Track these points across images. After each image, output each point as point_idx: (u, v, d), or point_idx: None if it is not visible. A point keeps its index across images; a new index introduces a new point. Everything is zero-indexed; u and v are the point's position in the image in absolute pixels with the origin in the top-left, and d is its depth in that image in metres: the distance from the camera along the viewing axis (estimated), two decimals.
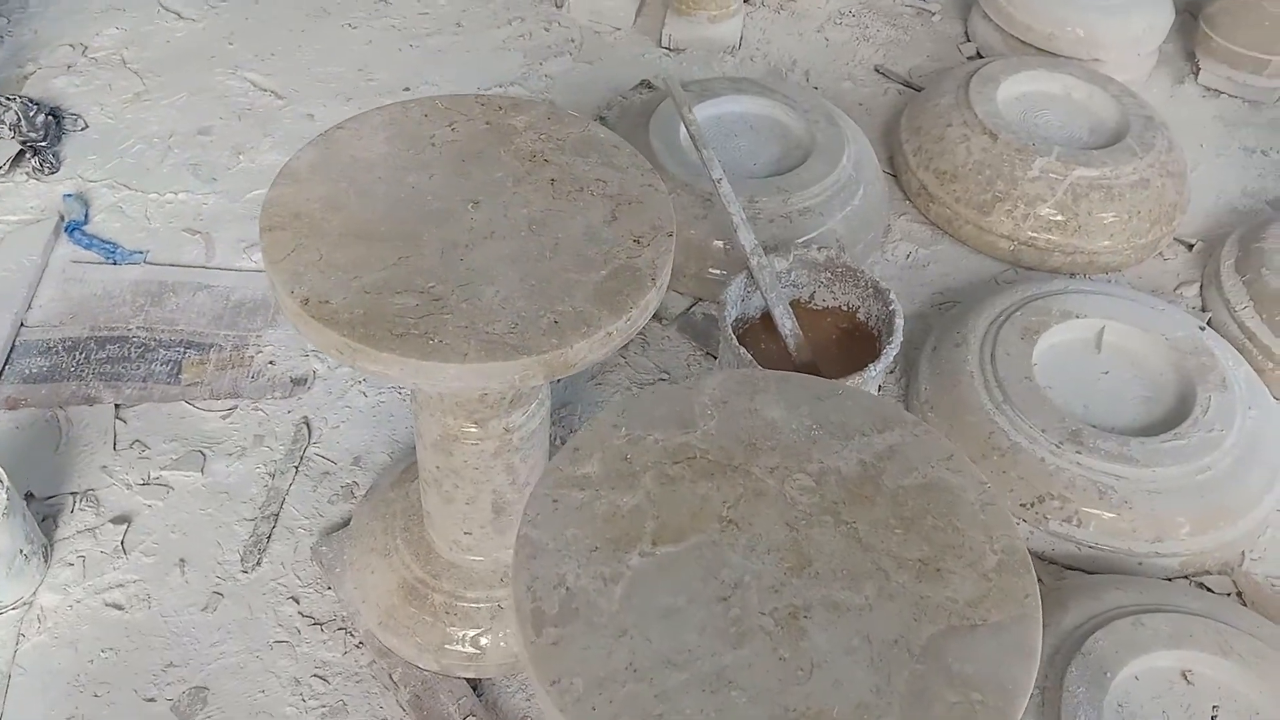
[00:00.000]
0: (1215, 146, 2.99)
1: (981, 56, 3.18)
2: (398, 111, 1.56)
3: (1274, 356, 2.33)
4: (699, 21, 3.11)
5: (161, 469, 2.09)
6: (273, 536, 2.01)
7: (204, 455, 2.13)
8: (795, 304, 2.22)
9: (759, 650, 1.03)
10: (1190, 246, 2.69)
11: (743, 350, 1.99)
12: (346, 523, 2.03)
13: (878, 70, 3.14)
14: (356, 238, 1.37)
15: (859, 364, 2.11)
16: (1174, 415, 2.09)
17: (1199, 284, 2.58)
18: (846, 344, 2.23)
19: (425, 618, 1.79)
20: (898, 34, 3.28)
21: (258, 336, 2.36)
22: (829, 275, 2.20)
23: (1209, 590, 1.99)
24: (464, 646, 1.78)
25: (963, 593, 1.08)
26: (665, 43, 3.15)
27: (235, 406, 2.23)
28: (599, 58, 3.12)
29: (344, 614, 1.90)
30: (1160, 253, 2.66)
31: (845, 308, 2.22)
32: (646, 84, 3.00)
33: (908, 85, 3.09)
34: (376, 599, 1.82)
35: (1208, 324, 2.37)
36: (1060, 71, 2.78)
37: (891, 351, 2.03)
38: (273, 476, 2.11)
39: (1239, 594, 2.01)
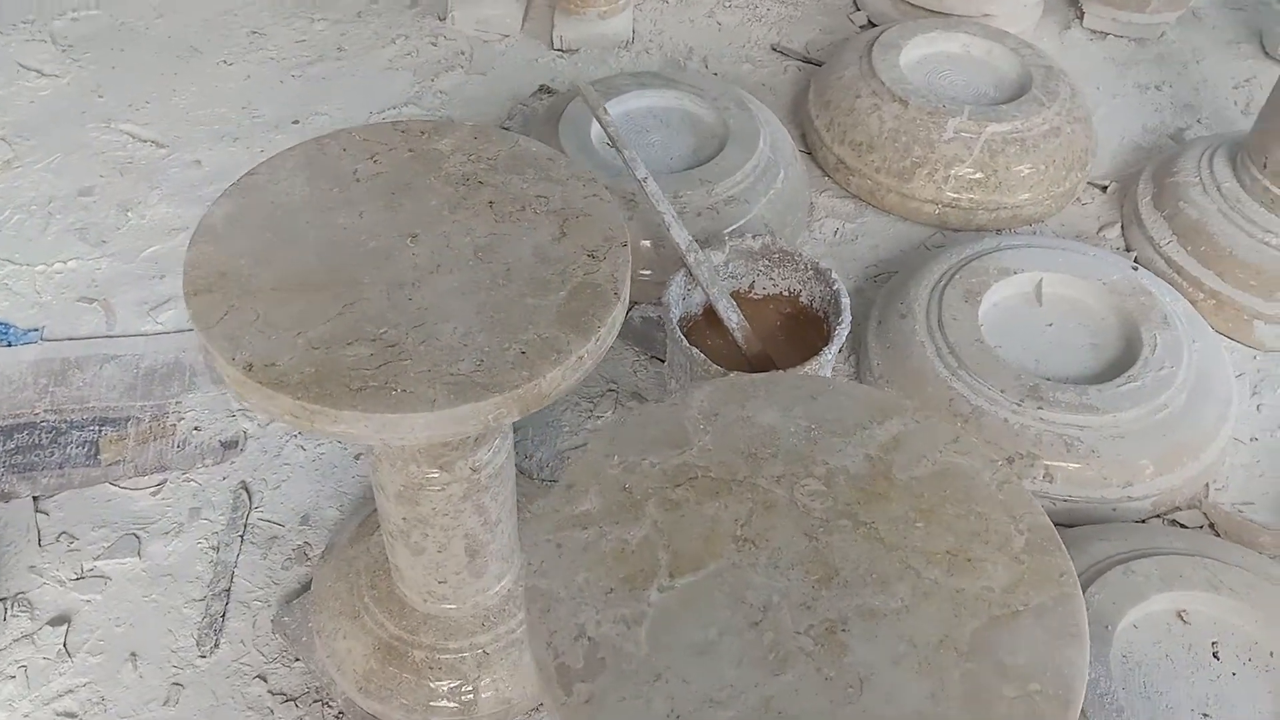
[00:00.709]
0: (1110, 88, 3.03)
1: (874, 24, 3.18)
2: (313, 149, 1.46)
3: (1203, 288, 2.36)
4: (589, 19, 3.04)
5: (95, 559, 1.95)
6: (227, 614, 1.89)
7: (138, 538, 1.99)
8: (736, 295, 2.17)
9: (802, 673, 0.97)
10: (1104, 189, 2.72)
11: (694, 350, 1.93)
12: (306, 587, 1.91)
13: (775, 49, 3.11)
14: (293, 291, 1.27)
15: (809, 348, 2.08)
16: (1123, 358, 2.10)
17: (1119, 224, 2.61)
18: (793, 330, 2.19)
19: (407, 676, 1.69)
20: (788, 10, 3.26)
21: (177, 403, 2.21)
22: (766, 262, 2.15)
23: (1184, 527, 2.01)
24: (453, 701, 1.69)
25: (997, 580, 1.04)
26: (557, 45, 3.07)
27: (164, 481, 2.09)
28: (492, 67, 3.02)
29: (317, 685, 1.79)
30: (1078, 199, 2.68)
31: (787, 293, 2.18)
32: (546, 89, 2.92)
33: (807, 60, 3.06)
34: (352, 664, 1.72)
35: (1135, 262, 2.39)
36: (957, 31, 2.79)
37: (843, 332, 2.00)
38: (217, 550, 1.98)
39: (1210, 525, 2.03)
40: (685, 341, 1.95)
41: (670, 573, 1.04)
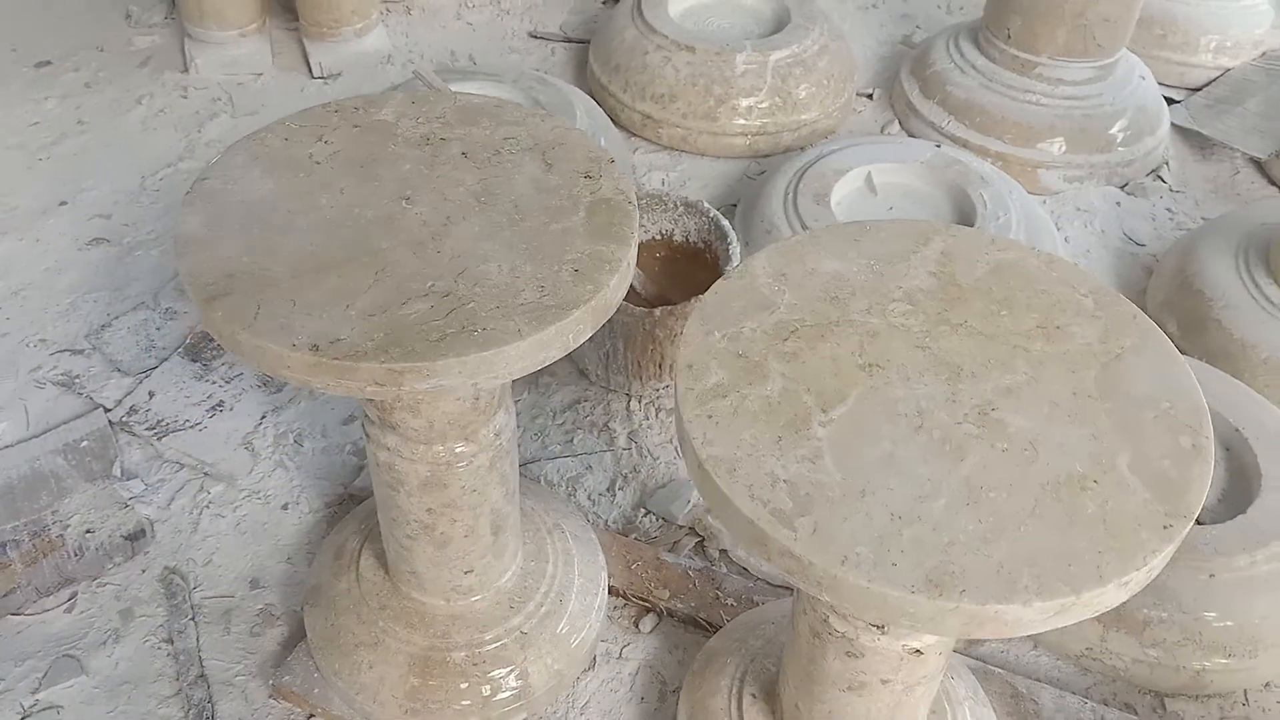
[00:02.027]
0: (838, 13, 3.32)
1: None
2: (254, 145, 1.37)
3: (989, 152, 2.66)
4: (344, 40, 2.97)
5: (35, 694, 1.70)
6: (213, 698, 1.71)
7: (75, 658, 1.76)
8: None
9: (981, 453, 1.04)
10: (870, 96, 2.99)
11: None
12: (288, 645, 1.77)
13: (533, 35, 3.17)
14: (315, 272, 1.20)
15: (697, 282, 2.15)
16: (964, 219, 2.33)
17: (895, 121, 2.88)
18: (674, 268, 2.26)
19: (454, 680, 1.61)
20: (532, 0, 3.33)
21: (54, 513, 1.97)
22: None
23: None
24: (505, 690, 1.63)
25: (1090, 335, 1.16)
26: (318, 72, 2.97)
27: (74, 594, 1.85)
28: (260, 106, 2.89)
29: None
30: (855, 109, 2.93)
31: (660, 236, 2.25)
32: None
33: (568, 40, 3.15)
34: (389, 690, 1.61)
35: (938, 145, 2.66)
36: None
37: (737, 248, 2.09)
38: (171, 641, 1.79)
39: None
40: None
41: (823, 409, 1.08)
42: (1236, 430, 1.86)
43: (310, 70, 2.98)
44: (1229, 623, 1.68)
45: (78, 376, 2.19)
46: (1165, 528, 0.98)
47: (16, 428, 2.10)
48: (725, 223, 2.14)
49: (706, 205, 2.17)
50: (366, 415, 1.44)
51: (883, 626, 1.22)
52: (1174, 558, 1.69)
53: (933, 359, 1.13)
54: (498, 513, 1.56)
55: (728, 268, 2.06)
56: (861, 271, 1.23)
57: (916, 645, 1.24)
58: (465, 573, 1.59)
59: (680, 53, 2.69)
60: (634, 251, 1.27)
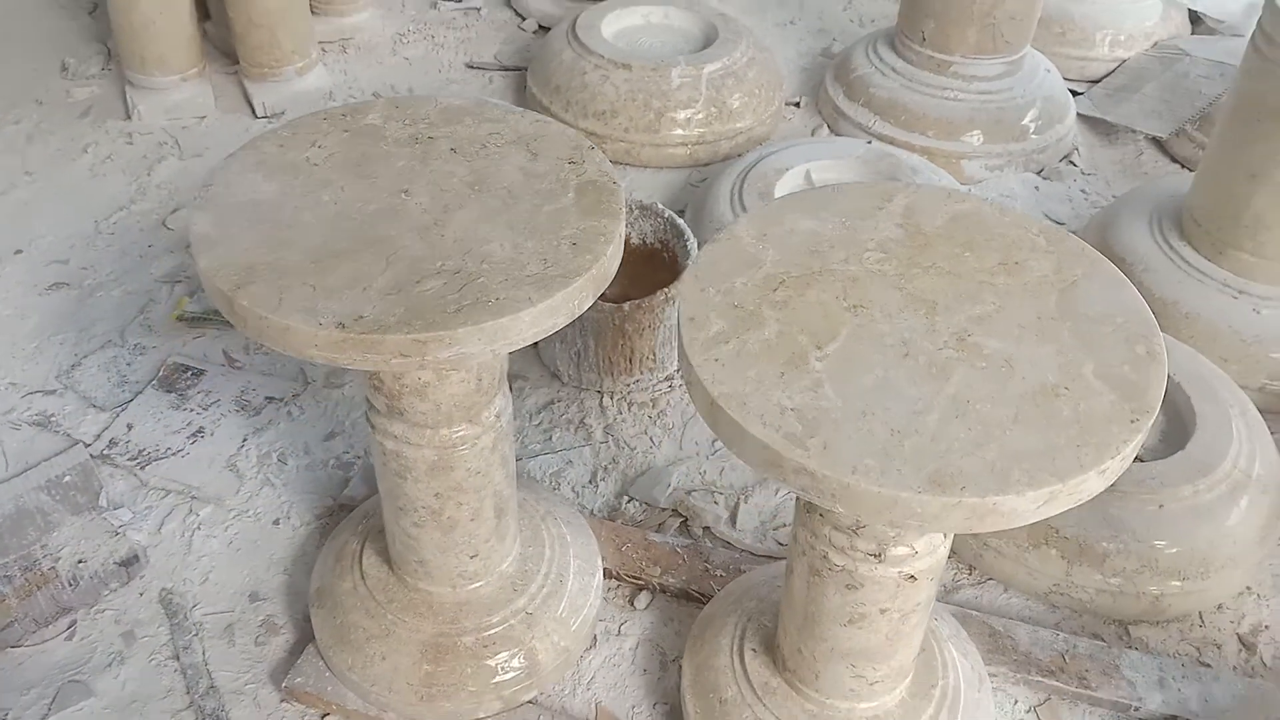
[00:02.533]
0: (759, 30, 3.48)
1: (543, 28, 3.43)
2: (250, 154, 1.44)
3: (915, 147, 2.82)
4: (286, 79, 3.04)
5: (45, 719, 1.72)
6: (225, 707, 1.74)
7: (81, 682, 1.78)
8: None
9: (964, 372, 1.15)
10: (797, 104, 3.14)
11: None
12: (296, 650, 1.81)
13: (470, 66, 3.27)
14: (330, 260, 1.27)
15: (657, 281, 2.26)
16: None
17: (825, 125, 3.03)
18: (634, 270, 2.35)
19: (466, 663, 1.67)
20: (464, 33, 3.43)
21: (42, 546, 1.98)
22: None
23: None
24: (512, 670, 1.68)
25: (1045, 268, 1.28)
26: (261, 112, 3.03)
27: (73, 623, 1.87)
28: (206, 147, 2.93)
29: (373, 713, 1.70)
30: (785, 116, 3.08)
31: None
32: None
33: (504, 68, 3.25)
34: (404, 677, 1.66)
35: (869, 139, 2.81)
36: (631, 7, 3.10)
37: (694, 246, 2.20)
38: (177, 658, 1.81)
39: None
40: None
41: (817, 346, 1.18)
42: (1170, 377, 2.01)
43: (253, 110, 3.04)
44: (1179, 548, 1.81)
45: (52, 415, 2.20)
46: (1132, 422, 1.10)
47: None
48: (680, 221, 2.25)
49: (661, 206, 2.28)
50: (372, 406, 1.50)
51: (879, 555, 1.32)
52: (1126, 493, 1.83)
53: (909, 297, 1.24)
54: (500, 495, 1.63)
55: (688, 261, 2.16)
56: (835, 228, 1.34)
57: (910, 571, 1.35)
58: (471, 557, 1.66)
59: (618, 70, 2.81)
60: (623, 225, 1.36)
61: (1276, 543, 1.94)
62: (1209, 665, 1.81)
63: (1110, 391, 1.13)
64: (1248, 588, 1.92)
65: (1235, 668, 1.81)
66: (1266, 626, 1.87)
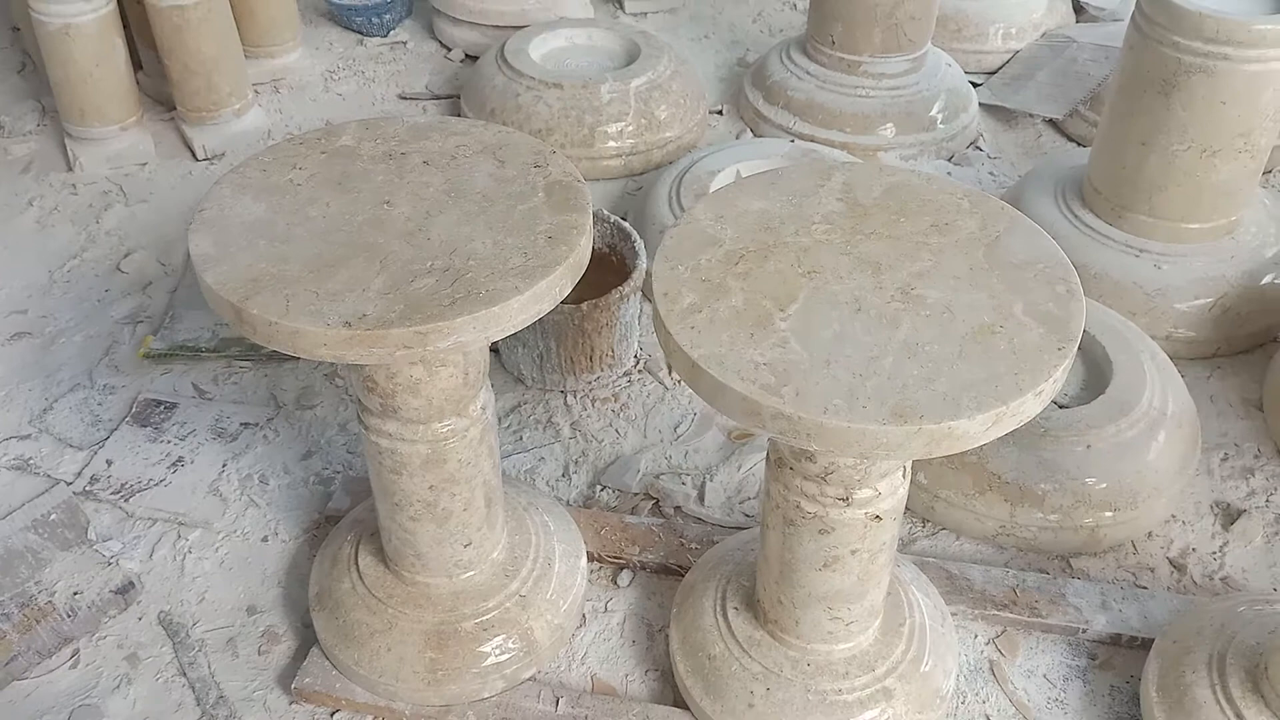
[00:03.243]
0: (676, 46, 3.65)
1: (470, 56, 3.55)
2: (235, 179, 1.54)
3: (834, 143, 3.00)
4: (224, 121, 3.11)
5: None
6: (238, 714, 1.81)
7: (92, 705, 1.83)
8: None
9: (910, 320, 1.30)
10: (720, 112, 3.31)
11: None
12: (299, 655, 1.89)
13: (402, 97, 3.38)
14: (327, 268, 1.38)
15: (607, 284, 2.38)
16: None
17: (748, 130, 3.20)
18: (584, 275, 2.48)
19: (468, 647, 1.77)
20: (392, 67, 3.54)
21: (36, 583, 2.03)
22: None
23: None
24: (508, 651, 1.78)
25: (972, 226, 1.44)
26: (202, 155, 3.10)
27: (76, 651, 1.93)
28: (151, 193, 2.99)
29: (370, 716, 1.79)
30: (710, 124, 3.24)
31: None
32: None
33: (436, 97, 3.37)
34: (410, 666, 1.75)
35: (791, 139, 2.98)
36: (555, 30, 3.24)
37: (643, 245, 2.34)
38: (184, 674, 1.88)
39: None
40: None
41: (780, 309, 1.32)
42: (1085, 330, 2.19)
43: (194, 153, 3.11)
44: (1108, 483, 1.99)
45: (30, 459, 2.25)
46: (1059, 349, 1.26)
47: None
48: (626, 225, 2.38)
49: (606, 213, 2.41)
50: (365, 408, 1.61)
51: (847, 499, 1.47)
52: (1057, 437, 2.00)
53: (856, 260, 1.39)
54: (489, 485, 1.74)
55: (636, 262, 2.30)
56: (783, 205, 1.48)
57: (876, 511, 1.49)
58: (465, 546, 1.76)
59: (549, 90, 2.95)
60: (590, 218, 1.49)
61: (1194, 473, 2.13)
62: (1145, 587, 1.98)
63: (1039, 326, 1.29)
64: (1173, 516, 2.10)
65: (1169, 588, 1.99)
66: (1193, 549, 2.05)
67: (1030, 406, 1.23)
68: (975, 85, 3.36)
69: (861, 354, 1.25)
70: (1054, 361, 1.25)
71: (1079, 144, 3.16)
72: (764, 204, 1.49)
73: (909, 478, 1.53)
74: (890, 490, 1.49)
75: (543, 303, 1.38)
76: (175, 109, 3.16)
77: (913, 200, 1.49)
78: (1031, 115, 3.26)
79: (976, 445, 1.23)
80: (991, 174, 3.08)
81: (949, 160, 3.10)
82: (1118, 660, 1.86)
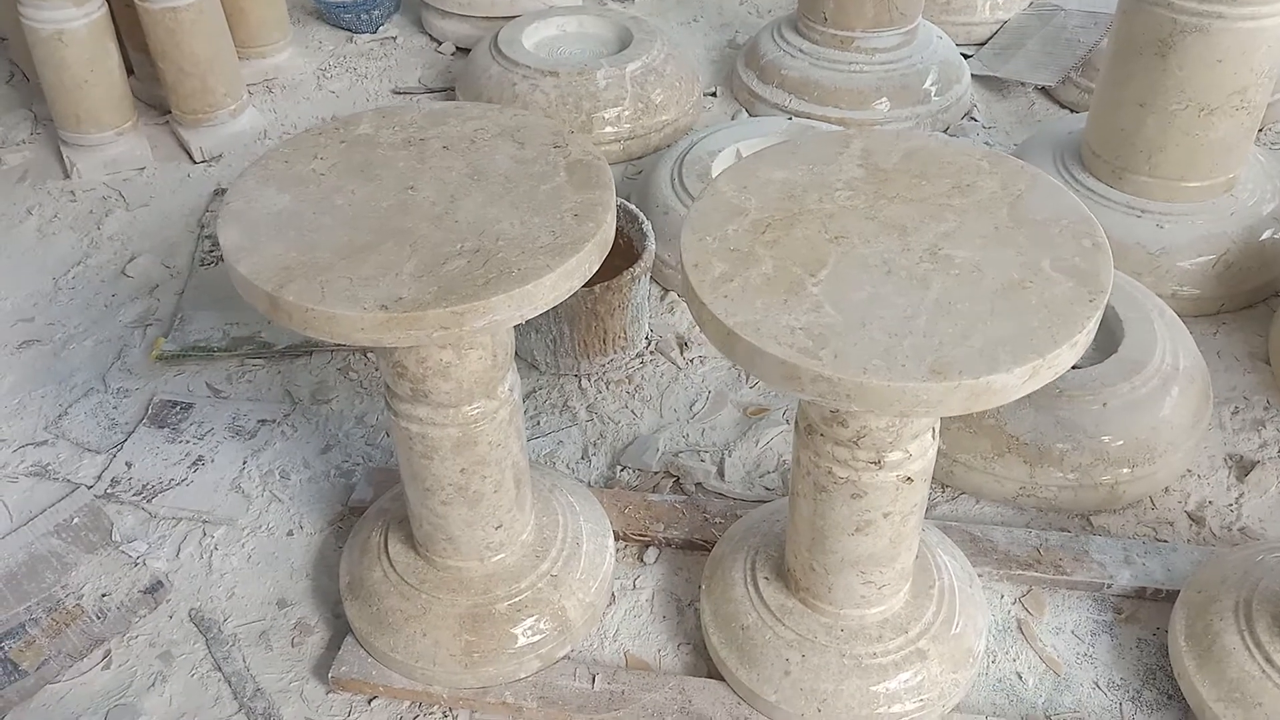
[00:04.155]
0: (666, 30, 3.65)
1: (461, 49, 3.55)
2: (259, 172, 1.54)
3: (830, 119, 3.01)
4: (220, 122, 3.11)
5: None
6: (276, 705, 1.82)
7: (127, 705, 1.84)
8: None
9: (941, 280, 1.32)
10: (714, 94, 3.32)
11: None
12: (334, 644, 1.90)
13: (397, 92, 3.38)
14: (358, 254, 1.38)
15: (614, 267, 2.39)
16: None
17: (743, 110, 3.22)
18: None
19: (503, 628, 1.78)
20: (384, 63, 3.54)
21: (63, 587, 2.03)
22: None
23: None
24: (542, 631, 1.79)
25: (993, 186, 1.46)
26: (199, 157, 3.09)
27: (108, 651, 1.93)
28: (151, 197, 2.98)
29: (408, 702, 1.80)
30: (704, 106, 3.25)
31: None
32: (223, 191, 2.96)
33: (430, 91, 3.37)
34: (447, 649, 1.76)
35: (790, 117, 3.00)
36: (547, 19, 3.25)
37: (650, 227, 2.35)
38: (219, 669, 1.89)
39: None
40: None
41: (810, 274, 1.33)
42: None
43: (191, 156, 3.10)
44: (1125, 440, 2.01)
45: (48, 465, 2.25)
46: (1090, 301, 1.28)
47: (0, 523, 2.15)
48: (633, 207, 2.39)
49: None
50: (394, 394, 1.61)
51: (879, 462, 1.48)
52: (1073, 397, 2.02)
53: (882, 224, 1.41)
54: (518, 466, 1.75)
55: (645, 244, 2.31)
56: (804, 174, 1.50)
57: (907, 473, 1.51)
58: (496, 528, 1.77)
59: (545, 78, 2.95)
60: (614, 195, 1.50)
61: (1207, 427, 2.16)
62: (1165, 541, 2.01)
63: (1067, 279, 1.31)
64: (1189, 470, 2.13)
65: (1189, 540, 2.02)
66: (1210, 502, 2.08)
67: (1065, 358, 1.25)
68: (966, 57, 3.38)
69: (895, 314, 1.27)
70: (1086, 313, 1.27)
71: (1072, 110, 3.19)
72: (785, 173, 1.50)
73: (937, 439, 1.55)
74: (921, 451, 1.51)
75: (574, 279, 1.39)
76: (170, 112, 3.15)
77: (932, 163, 1.51)
78: (1023, 84, 3.29)
79: (1015, 399, 1.24)
80: (987, 144, 3.10)
81: (944, 132, 3.12)
82: (1143, 613, 1.89)
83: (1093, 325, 1.27)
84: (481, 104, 1.68)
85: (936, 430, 1.55)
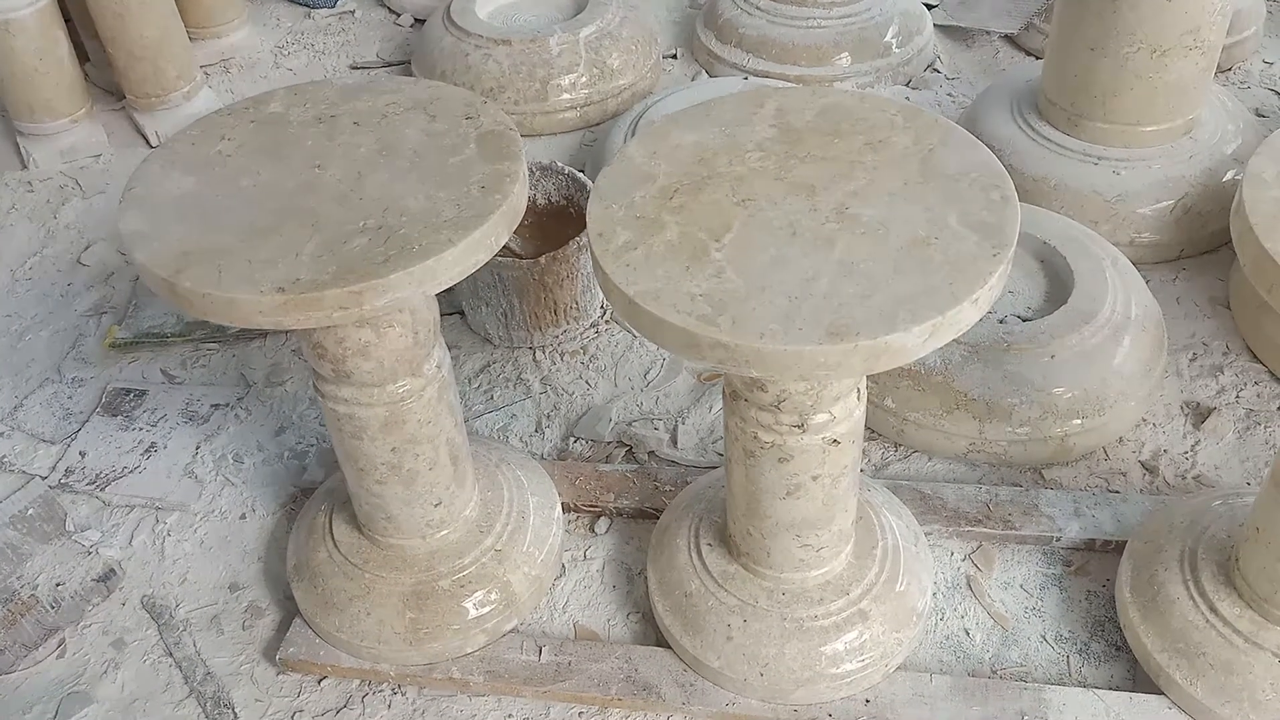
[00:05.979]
0: None
1: (419, 20, 3.51)
2: (164, 155, 1.52)
3: (789, 76, 2.97)
4: (174, 105, 3.08)
5: None
6: (226, 689, 1.83)
7: (80, 693, 1.85)
8: None
9: (846, 239, 1.29)
10: (675, 56, 3.28)
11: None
12: (284, 625, 1.90)
13: (354, 67, 3.35)
14: (259, 236, 1.37)
15: (566, 236, 2.37)
16: None
17: (702, 71, 3.17)
18: (544, 229, 2.48)
19: (446, 604, 1.78)
20: (341, 37, 3.50)
21: (18, 578, 2.04)
22: None
23: None
24: (489, 604, 1.79)
25: (905, 142, 1.43)
26: (156, 140, 3.07)
27: (62, 641, 1.94)
28: (108, 184, 2.97)
29: (357, 681, 1.81)
30: (664, 69, 3.21)
31: None
32: None
33: (388, 64, 3.34)
34: (391, 627, 1.77)
35: (744, 76, 2.96)
36: None
37: None
38: (170, 655, 1.89)
39: None
40: None
41: (715, 240, 1.31)
42: (1045, 243, 2.19)
43: (147, 141, 3.08)
44: (1074, 391, 1.99)
45: (4, 457, 2.25)
46: (994, 255, 1.25)
47: None
48: (581, 175, 2.37)
49: (560, 164, 2.40)
50: (319, 375, 1.60)
51: (802, 425, 1.47)
52: (1021, 350, 1.99)
53: (791, 185, 1.38)
54: (453, 443, 1.74)
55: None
56: (717, 136, 1.47)
57: (833, 436, 1.49)
58: (435, 505, 1.76)
59: (498, 47, 2.92)
60: (524, 165, 1.48)
61: (1162, 375, 2.14)
62: (1118, 491, 1.99)
63: (973, 234, 1.28)
64: (1143, 419, 2.10)
65: (1141, 490, 2.00)
66: (1165, 450, 2.06)
67: (968, 315, 1.23)
68: (930, 7, 3.33)
69: (797, 277, 1.25)
70: (989, 268, 1.24)
71: (1037, 57, 3.13)
72: (697, 136, 1.48)
73: (864, 400, 1.53)
74: (845, 414, 1.49)
75: (479, 253, 1.37)
76: (125, 98, 3.13)
77: (845, 120, 1.48)
78: (988, 32, 3.23)
79: (916, 358, 1.22)
80: (950, 95, 3.05)
81: (907, 85, 3.08)
82: (1093, 566, 1.87)
83: (997, 280, 1.25)
84: (399, 78, 1.66)
85: (862, 391, 1.53)
